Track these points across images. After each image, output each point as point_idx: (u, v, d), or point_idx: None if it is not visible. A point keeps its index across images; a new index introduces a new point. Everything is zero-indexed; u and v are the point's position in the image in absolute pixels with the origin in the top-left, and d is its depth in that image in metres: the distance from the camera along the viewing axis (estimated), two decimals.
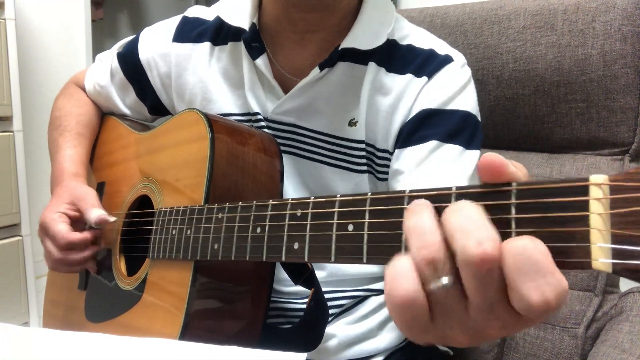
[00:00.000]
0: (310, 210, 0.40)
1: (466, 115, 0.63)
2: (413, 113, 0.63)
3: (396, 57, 0.65)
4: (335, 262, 0.37)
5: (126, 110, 0.84)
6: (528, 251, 0.26)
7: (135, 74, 0.79)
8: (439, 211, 0.31)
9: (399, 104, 0.64)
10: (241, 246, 0.48)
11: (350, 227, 0.37)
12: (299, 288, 0.66)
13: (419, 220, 0.30)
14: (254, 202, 0.47)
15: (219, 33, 0.73)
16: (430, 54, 0.65)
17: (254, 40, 0.68)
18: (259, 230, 0.46)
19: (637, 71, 0.75)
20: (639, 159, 0.80)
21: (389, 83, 0.65)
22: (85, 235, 0.69)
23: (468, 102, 0.64)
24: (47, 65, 2.11)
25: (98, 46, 2.08)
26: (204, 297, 0.57)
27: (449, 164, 0.60)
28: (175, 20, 0.77)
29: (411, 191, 0.33)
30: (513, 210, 0.29)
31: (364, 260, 0.35)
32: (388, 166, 0.66)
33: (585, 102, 0.80)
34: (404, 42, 0.67)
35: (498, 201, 0.30)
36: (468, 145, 0.62)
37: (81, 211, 0.70)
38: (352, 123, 0.66)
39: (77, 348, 0.46)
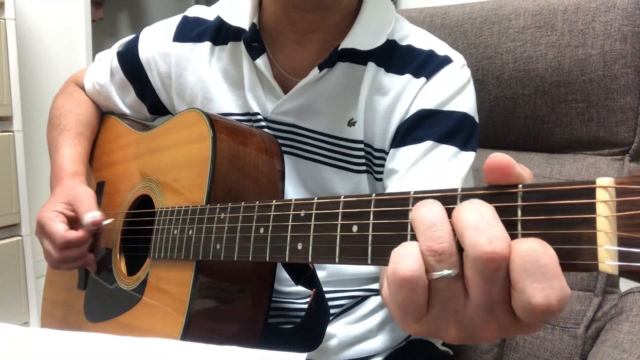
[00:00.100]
0: (314, 211, 0.40)
1: (463, 117, 0.63)
2: (410, 113, 0.63)
3: (396, 58, 0.65)
4: (340, 262, 0.38)
5: (126, 110, 0.84)
6: (537, 254, 0.27)
7: (135, 74, 0.79)
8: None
9: (397, 104, 0.64)
10: (244, 246, 0.48)
11: (355, 228, 0.37)
12: (300, 288, 0.66)
13: (429, 212, 0.31)
14: (257, 202, 0.48)
15: (219, 33, 0.73)
16: (430, 55, 0.65)
17: (254, 40, 0.68)
18: (262, 230, 0.46)
19: (637, 71, 0.75)
20: (639, 159, 0.80)
21: (388, 83, 0.65)
22: (82, 234, 0.69)
23: (466, 103, 0.64)
24: (47, 65, 2.11)
25: (98, 46, 2.07)
26: (205, 297, 0.57)
27: (444, 165, 0.60)
28: (176, 20, 0.77)
29: (416, 192, 0.34)
30: (519, 212, 0.29)
31: (369, 261, 0.35)
32: (384, 166, 0.66)
33: (585, 102, 0.80)
34: (404, 43, 0.67)
35: (504, 203, 0.30)
36: (464, 146, 0.62)
37: (77, 212, 0.70)
38: (351, 123, 0.66)
39: (77, 348, 0.46)
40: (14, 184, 1.71)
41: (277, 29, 0.68)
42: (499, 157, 0.30)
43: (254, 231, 0.47)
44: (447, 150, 0.61)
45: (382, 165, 0.66)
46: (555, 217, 0.28)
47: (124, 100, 0.83)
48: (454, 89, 0.63)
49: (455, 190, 0.32)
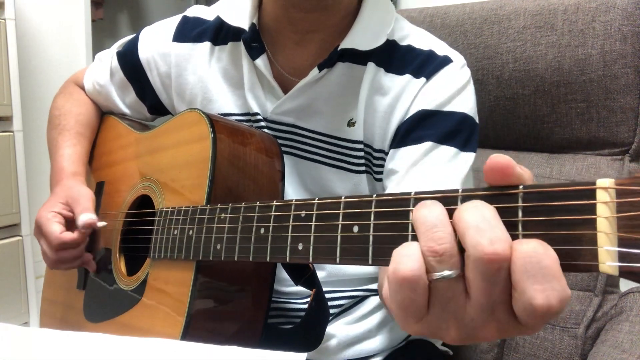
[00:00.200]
0: (314, 212, 0.40)
1: (463, 117, 0.63)
2: (410, 113, 0.63)
3: (395, 58, 0.65)
4: (340, 263, 0.38)
5: (126, 110, 0.84)
6: (538, 255, 0.27)
7: (135, 74, 0.79)
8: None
9: (396, 104, 0.64)
10: (244, 247, 0.48)
11: (356, 229, 0.37)
12: (299, 288, 0.66)
13: (430, 213, 0.31)
14: (258, 202, 0.48)
15: (219, 33, 0.73)
16: (430, 55, 0.65)
17: (254, 41, 0.68)
18: (262, 230, 0.46)
19: (637, 71, 0.75)
20: (639, 159, 0.80)
21: (387, 83, 0.64)
22: (77, 235, 0.69)
23: (466, 103, 0.64)
24: (47, 65, 2.11)
25: (98, 46, 2.07)
26: (205, 297, 0.57)
27: (443, 166, 0.60)
28: (175, 20, 0.77)
29: (417, 193, 0.34)
30: (520, 213, 0.29)
31: (370, 262, 0.35)
32: (384, 166, 0.66)
33: (585, 102, 0.80)
34: (404, 43, 0.67)
35: (505, 204, 0.30)
36: (463, 147, 0.62)
37: (73, 213, 0.70)
38: (350, 123, 0.66)
39: (77, 348, 0.46)
40: (14, 184, 1.71)
41: (276, 29, 0.68)
42: (499, 158, 0.30)
43: (255, 231, 0.47)
44: (447, 150, 0.61)
45: (382, 166, 0.66)
46: (556, 218, 0.28)
47: (123, 100, 0.83)
48: (453, 89, 0.63)
49: (456, 191, 0.32)
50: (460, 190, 0.32)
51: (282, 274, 0.66)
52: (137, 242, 0.70)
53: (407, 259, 0.30)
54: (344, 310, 0.71)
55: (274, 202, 0.45)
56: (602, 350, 0.70)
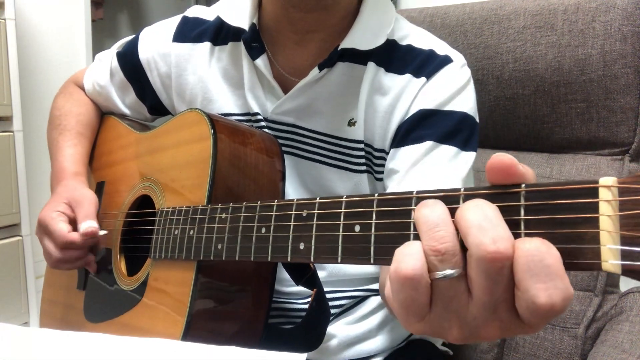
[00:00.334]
0: (316, 211, 0.41)
1: (464, 117, 0.63)
2: (410, 113, 0.63)
3: (395, 57, 0.65)
4: (342, 262, 0.38)
5: (126, 110, 0.84)
6: (541, 254, 0.27)
7: (135, 74, 0.79)
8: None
9: (397, 103, 0.64)
10: (245, 246, 0.48)
11: (357, 228, 0.37)
12: (300, 288, 0.66)
13: (432, 212, 0.31)
14: (259, 202, 0.48)
15: (219, 33, 0.73)
16: (430, 55, 0.65)
17: (254, 41, 0.68)
18: (263, 230, 0.46)
19: (637, 71, 0.75)
20: (639, 159, 0.80)
21: (387, 83, 0.64)
22: (85, 241, 0.68)
23: (466, 103, 0.64)
24: (47, 65, 2.11)
25: (98, 46, 2.07)
26: (206, 297, 0.57)
27: (444, 165, 0.60)
28: (175, 20, 0.77)
29: (418, 192, 0.34)
30: (522, 212, 0.29)
31: (371, 261, 0.36)
32: (384, 166, 0.66)
33: (585, 102, 0.80)
34: (404, 42, 0.67)
35: (507, 202, 0.30)
36: (464, 146, 0.62)
37: (76, 216, 0.70)
38: (351, 123, 0.66)
39: (77, 348, 0.46)
40: (14, 184, 1.71)
41: (276, 29, 0.68)
42: (502, 157, 0.30)
43: (256, 231, 0.47)
44: (448, 150, 0.61)
45: (383, 165, 0.66)
46: (558, 216, 0.28)
47: (123, 100, 0.83)
48: (454, 89, 0.63)
49: (458, 190, 0.32)
50: (462, 189, 0.32)
51: (283, 274, 0.66)
52: (138, 242, 0.70)
53: (409, 257, 0.30)
54: (345, 310, 0.71)
55: (275, 202, 0.45)
56: (602, 350, 0.70)
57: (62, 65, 2.15)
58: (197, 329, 0.56)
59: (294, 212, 0.43)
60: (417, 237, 0.32)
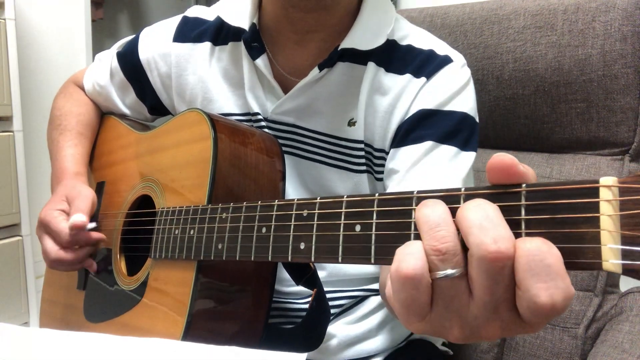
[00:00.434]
0: (316, 211, 0.41)
1: (463, 117, 0.63)
2: (410, 113, 0.63)
3: (395, 58, 0.65)
4: (342, 262, 0.38)
5: (126, 110, 0.84)
6: (542, 253, 0.27)
7: (135, 74, 0.79)
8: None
9: (397, 103, 0.64)
10: (246, 246, 0.48)
11: (358, 228, 0.37)
12: (300, 288, 0.66)
13: (433, 212, 0.31)
14: (259, 202, 0.48)
15: (220, 33, 0.73)
16: (430, 55, 0.65)
17: (254, 41, 0.68)
18: (264, 230, 0.46)
19: (637, 71, 0.75)
20: (639, 159, 0.80)
21: (387, 83, 0.65)
22: (87, 233, 0.69)
23: (466, 103, 0.64)
24: (47, 65, 2.11)
25: (98, 46, 2.08)
26: (206, 297, 0.57)
27: (444, 165, 0.60)
28: (176, 20, 0.77)
29: (419, 192, 0.34)
30: (523, 212, 0.29)
31: (372, 261, 0.36)
32: (384, 166, 0.66)
33: (585, 102, 0.80)
34: (404, 43, 0.67)
35: (508, 202, 0.30)
36: (464, 146, 0.62)
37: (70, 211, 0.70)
38: (351, 123, 0.66)
39: (77, 348, 0.46)
40: (14, 184, 1.71)
41: (276, 29, 0.68)
42: (503, 157, 0.30)
43: (256, 231, 0.47)
44: (448, 150, 0.61)
45: (383, 165, 0.66)
46: (559, 216, 0.28)
47: (123, 100, 0.83)
48: (454, 89, 0.63)
49: (459, 190, 0.32)
50: (462, 189, 0.32)
51: (283, 273, 0.66)
52: (138, 242, 0.70)
53: (410, 257, 0.30)
54: (345, 310, 0.71)
55: (276, 202, 0.45)
56: (602, 350, 0.70)
57: (62, 65, 2.15)
58: (197, 329, 0.56)
59: (294, 212, 0.43)
60: (417, 236, 0.32)
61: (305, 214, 0.42)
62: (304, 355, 0.40)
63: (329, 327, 0.67)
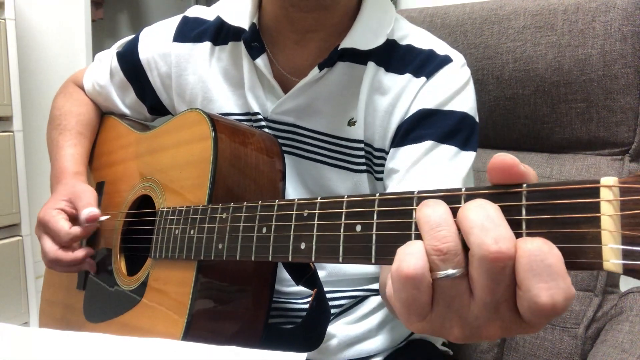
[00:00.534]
0: (317, 211, 0.41)
1: (463, 116, 0.63)
2: (410, 112, 0.63)
3: (395, 57, 0.65)
4: (343, 262, 0.38)
5: (126, 110, 0.84)
6: (543, 253, 0.27)
7: (135, 74, 0.79)
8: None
9: (397, 103, 0.64)
10: (246, 246, 0.48)
11: (358, 228, 0.37)
12: (299, 288, 0.66)
13: (434, 212, 0.31)
14: (259, 202, 0.48)
15: (220, 33, 0.73)
16: (430, 54, 0.65)
17: (254, 40, 0.68)
18: (264, 230, 0.46)
19: (637, 71, 0.75)
20: (639, 159, 0.80)
21: (387, 83, 0.65)
22: (86, 228, 0.69)
23: (466, 103, 0.64)
24: (47, 65, 2.11)
25: (98, 46, 2.07)
26: (206, 297, 0.57)
27: (444, 165, 0.60)
28: (176, 20, 0.77)
29: (420, 192, 0.34)
30: (524, 212, 0.29)
31: (373, 261, 0.36)
32: (384, 166, 0.66)
33: (585, 102, 0.80)
34: (404, 42, 0.67)
35: (509, 202, 0.30)
36: (464, 146, 0.62)
37: (76, 209, 0.70)
38: (351, 123, 0.66)
39: (77, 348, 0.46)
40: (14, 184, 1.71)
41: (276, 29, 0.68)
42: (504, 157, 0.30)
43: (257, 231, 0.47)
44: (448, 150, 0.61)
45: (382, 165, 0.66)
46: (560, 216, 0.28)
47: (123, 100, 0.83)
48: (454, 89, 0.63)
49: (460, 190, 0.32)
50: (463, 189, 0.32)
51: (283, 274, 0.66)
52: (138, 242, 0.69)
53: (410, 257, 0.30)
54: (345, 310, 0.71)
55: (276, 202, 0.45)
56: (602, 350, 0.70)
57: (62, 65, 2.15)
58: (197, 329, 0.56)
59: (295, 212, 0.43)
60: (418, 237, 0.32)
61: (305, 214, 0.42)
62: (304, 355, 0.40)
63: (329, 327, 0.67)
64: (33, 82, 2.03)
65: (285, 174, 0.65)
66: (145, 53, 0.77)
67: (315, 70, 0.65)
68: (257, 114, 0.69)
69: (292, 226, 0.43)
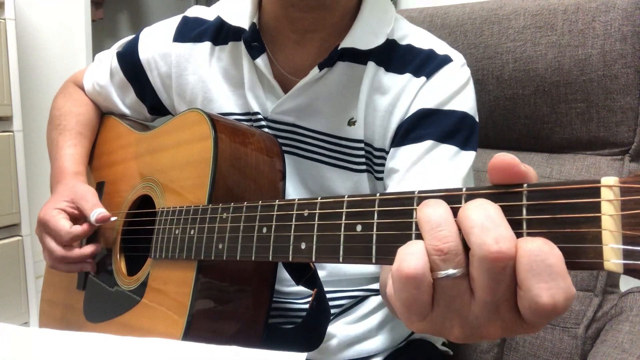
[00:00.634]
0: (317, 211, 0.41)
1: (463, 116, 0.63)
2: (410, 112, 0.63)
3: (395, 57, 0.65)
4: (343, 262, 0.38)
5: (126, 110, 0.84)
6: (544, 253, 0.27)
7: (135, 74, 0.79)
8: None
9: (397, 103, 0.64)
10: (247, 246, 0.48)
11: (359, 228, 0.37)
12: (299, 288, 0.66)
13: (434, 212, 0.31)
14: (260, 202, 0.48)
15: (220, 33, 0.73)
16: (430, 54, 0.65)
17: (254, 40, 0.68)
18: (265, 230, 0.46)
19: (637, 71, 0.75)
20: (639, 159, 0.80)
21: (387, 82, 0.65)
22: (87, 227, 0.69)
23: (466, 102, 0.64)
24: (47, 65, 2.11)
25: (98, 46, 2.07)
26: (207, 297, 0.57)
27: (444, 164, 0.60)
28: (176, 20, 0.77)
29: (420, 192, 0.34)
30: (524, 211, 0.29)
31: (373, 261, 0.36)
32: (384, 165, 0.66)
33: (585, 102, 0.80)
34: (404, 42, 0.67)
35: (509, 202, 0.30)
36: (464, 146, 0.62)
37: (81, 210, 0.70)
38: (351, 122, 0.66)
39: (77, 348, 0.46)
40: (14, 184, 1.71)
41: (276, 29, 0.68)
42: (504, 157, 0.30)
43: (257, 231, 0.47)
44: (448, 149, 0.61)
45: (383, 165, 0.66)
46: (560, 216, 0.28)
47: (123, 100, 0.83)
48: (454, 88, 0.63)
49: (460, 189, 0.32)
50: (464, 189, 0.32)
51: (283, 274, 0.66)
52: (138, 242, 0.70)
53: (411, 256, 0.30)
54: (345, 310, 0.71)
55: (277, 202, 0.45)
56: (602, 350, 0.70)
57: (62, 65, 2.15)
58: (197, 329, 0.56)
59: (295, 211, 0.43)
60: (419, 236, 0.32)
61: (306, 214, 0.42)
62: (304, 355, 0.40)
63: (329, 327, 0.67)
64: (33, 82, 2.03)
65: (285, 174, 0.65)
66: (145, 53, 0.77)
67: (315, 70, 0.65)
68: (257, 113, 0.69)
69: (293, 226, 0.43)
